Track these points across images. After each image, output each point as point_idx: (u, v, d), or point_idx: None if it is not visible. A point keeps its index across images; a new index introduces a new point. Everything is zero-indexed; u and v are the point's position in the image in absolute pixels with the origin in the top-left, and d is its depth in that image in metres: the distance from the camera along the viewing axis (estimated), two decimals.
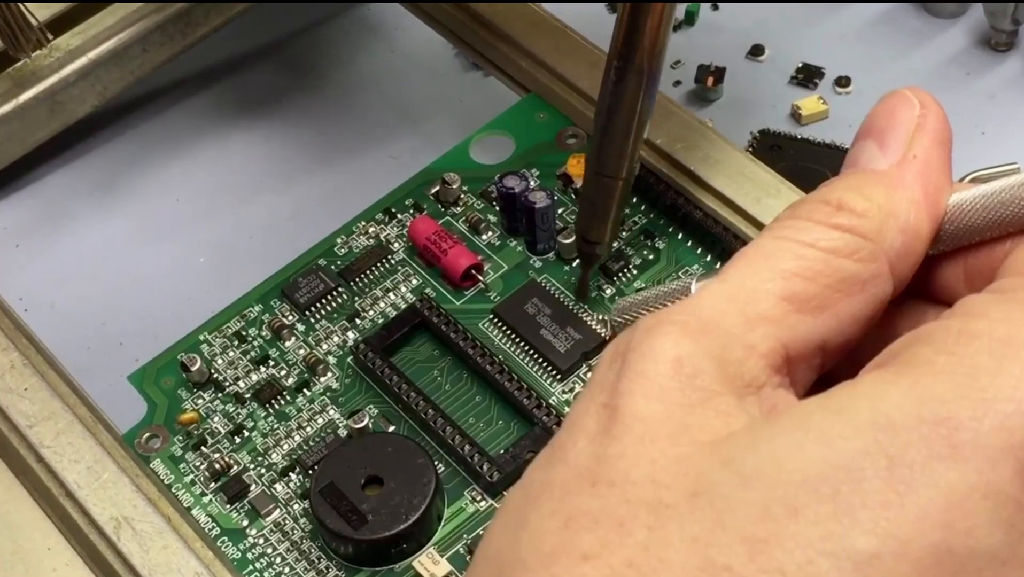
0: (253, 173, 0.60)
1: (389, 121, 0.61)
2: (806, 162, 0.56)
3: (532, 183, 0.49)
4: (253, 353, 0.47)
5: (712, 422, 0.23)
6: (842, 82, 0.60)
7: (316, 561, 0.43)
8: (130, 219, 0.58)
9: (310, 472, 0.44)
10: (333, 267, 0.49)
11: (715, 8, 0.63)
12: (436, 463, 0.43)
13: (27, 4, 0.52)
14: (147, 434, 0.46)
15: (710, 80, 0.59)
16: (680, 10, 0.63)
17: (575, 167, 0.49)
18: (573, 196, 0.49)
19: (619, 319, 0.45)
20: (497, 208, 0.49)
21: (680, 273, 0.47)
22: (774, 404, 0.24)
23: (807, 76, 0.60)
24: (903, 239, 0.26)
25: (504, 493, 0.43)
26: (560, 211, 0.49)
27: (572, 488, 0.23)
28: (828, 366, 0.26)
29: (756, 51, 0.61)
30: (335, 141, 0.60)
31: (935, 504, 0.21)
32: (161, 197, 0.59)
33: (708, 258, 0.47)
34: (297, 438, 0.45)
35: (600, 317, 0.46)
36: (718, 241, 0.47)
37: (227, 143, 0.61)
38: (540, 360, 0.45)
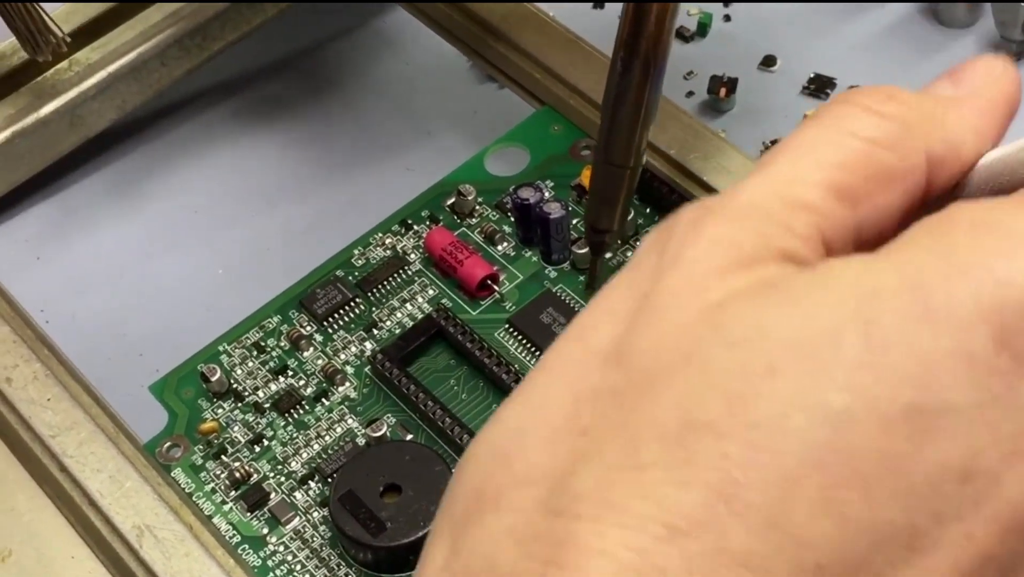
0: (270, 184, 0.60)
1: (404, 133, 0.62)
2: None
3: (547, 194, 0.49)
4: (272, 363, 0.48)
5: (736, 283, 0.24)
6: None
7: (336, 568, 0.43)
8: (148, 230, 0.59)
9: (329, 480, 0.45)
10: (351, 278, 0.49)
11: (727, 19, 0.64)
12: (453, 470, 0.43)
13: (52, 12, 0.53)
14: (168, 443, 0.47)
15: (722, 91, 0.60)
16: (692, 21, 0.64)
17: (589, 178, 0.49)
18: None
19: None
20: (512, 219, 0.50)
21: None
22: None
23: (819, 86, 0.61)
24: (945, 147, 0.26)
25: None
26: (574, 221, 0.49)
27: (587, 367, 0.24)
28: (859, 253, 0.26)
29: (768, 62, 0.62)
30: (351, 152, 0.61)
31: (908, 364, 0.22)
32: (179, 208, 0.60)
33: None
34: (316, 447, 0.46)
35: None
36: None
37: (244, 154, 0.61)
38: None
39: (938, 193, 0.27)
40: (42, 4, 0.52)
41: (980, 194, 0.26)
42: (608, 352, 0.24)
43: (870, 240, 0.26)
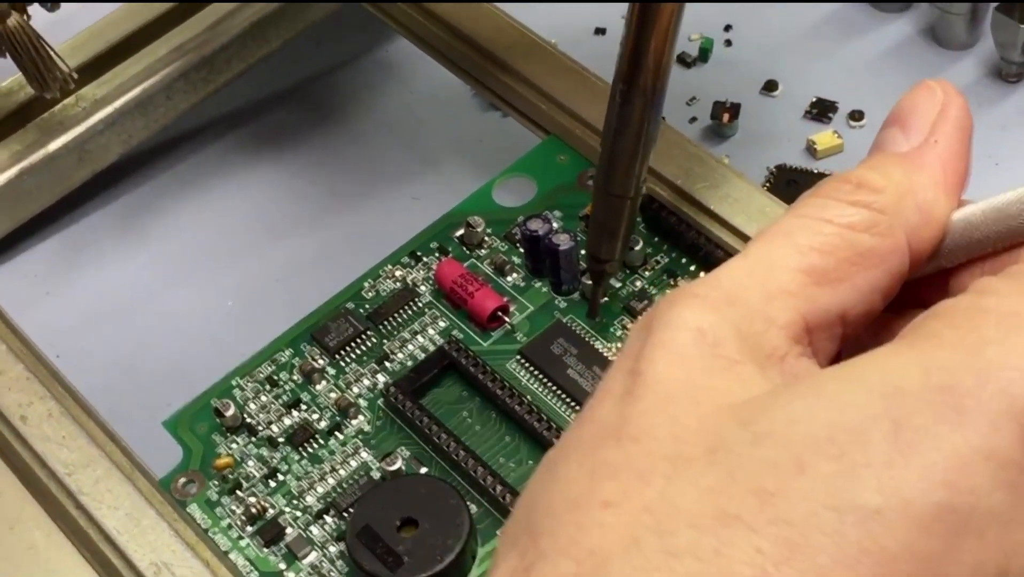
0: (276, 216, 0.61)
1: (409, 162, 0.62)
2: None
3: (555, 225, 0.50)
4: (285, 397, 0.48)
5: (733, 387, 0.25)
6: (856, 116, 0.61)
7: None
8: (156, 263, 0.59)
9: (345, 514, 0.45)
10: (361, 310, 0.50)
11: (728, 44, 0.64)
12: (468, 503, 0.44)
13: (57, 48, 0.53)
14: (183, 479, 0.47)
15: (726, 116, 0.60)
16: (694, 47, 0.64)
17: None
18: None
19: None
20: (521, 250, 0.50)
21: None
22: (796, 373, 0.26)
23: (821, 110, 0.61)
24: (920, 216, 0.27)
25: None
26: (583, 252, 0.49)
27: (598, 443, 0.25)
28: (850, 337, 0.27)
29: (770, 86, 0.62)
30: (356, 183, 0.61)
31: (938, 465, 0.23)
32: (186, 241, 0.60)
33: None
34: (331, 481, 0.46)
35: (616, 346, 0.47)
36: None
37: (249, 186, 0.62)
38: (568, 400, 0.46)
39: (918, 260, 0.27)
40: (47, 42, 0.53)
41: (957, 251, 0.27)
42: (616, 431, 0.25)
43: (858, 319, 0.27)
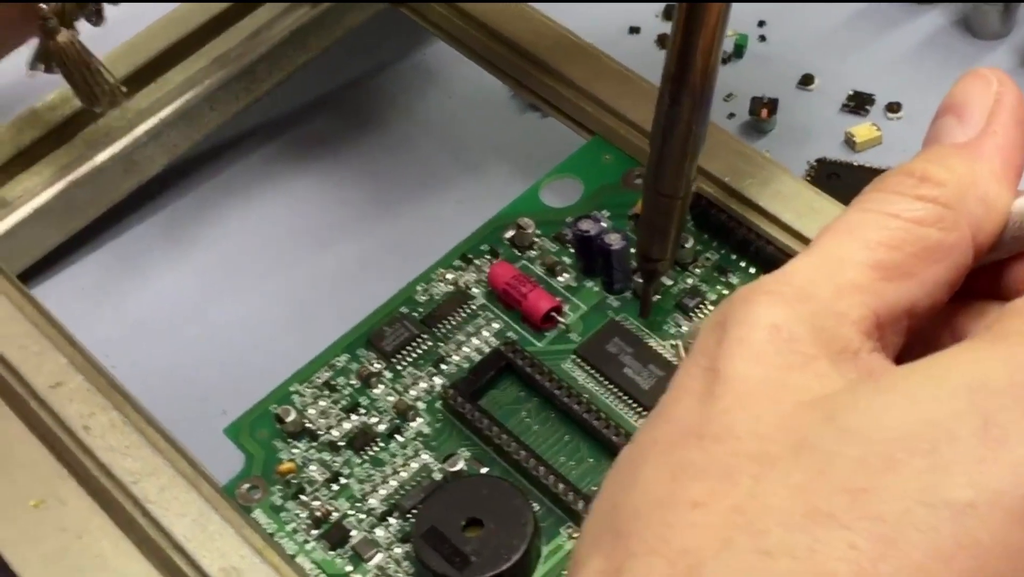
0: (321, 223, 0.61)
1: (450, 166, 0.62)
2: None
3: (605, 225, 0.50)
4: (344, 402, 0.49)
5: (810, 383, 0.25)
6: (893, 108, 0.61)
7: None
8: (204, 272, 0.60)
9: (408, 516, 0.46)
10: (415, 314, 0.50)
11: (763, 40, 0.65)
12: (531, 502, 0.44)
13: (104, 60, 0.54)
14: (247, 485, 0.47)
15: (764, 112, 0.61)
16: (728, 43, 0.64)
17: None
18: None
19: (690, 344, 0.47)
20: (572, 250, 0.51)
21: None
22: (871, 368, 0.26)
23: (858, 103, 0.61)
24: (983, 208, 0.27)
25: None
26: (633, 250, 0.50)
27: (678, 443, 0.25)
28: (915, 330, 0.27)
29: (806, 80, 0.63)
30: (398, 188, 0.62)
31: None
32: (232, 249, 0.61)
33: None
34: (393, 483, 0.47)
35: (672, 344, 0.48)
36: None
37: (292, 194, 0.62)
38: (625, 398, 0.47)
39: (980, 252, 0.28)
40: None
41: (1014, 241, 0.28)
42: (696, 430, 0.25)
43: (925, 313, 0.27)
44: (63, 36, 0.50)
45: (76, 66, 0.50)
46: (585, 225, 0.49)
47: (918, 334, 0.28)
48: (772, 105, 0.61)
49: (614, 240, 0.49)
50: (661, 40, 0.65)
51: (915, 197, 0.27)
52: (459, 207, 0.61)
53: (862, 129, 0.60)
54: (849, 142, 0.60)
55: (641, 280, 0.48)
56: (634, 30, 0.66)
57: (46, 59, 0.51)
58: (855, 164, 0.59)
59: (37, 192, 0.58)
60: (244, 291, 0.59)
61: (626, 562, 0.25)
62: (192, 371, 0.57)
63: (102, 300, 0.59)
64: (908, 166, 0.28)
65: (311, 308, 0.58)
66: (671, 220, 0.46)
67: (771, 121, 0.61)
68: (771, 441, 0.25)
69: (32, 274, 0.59)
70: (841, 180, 0.58)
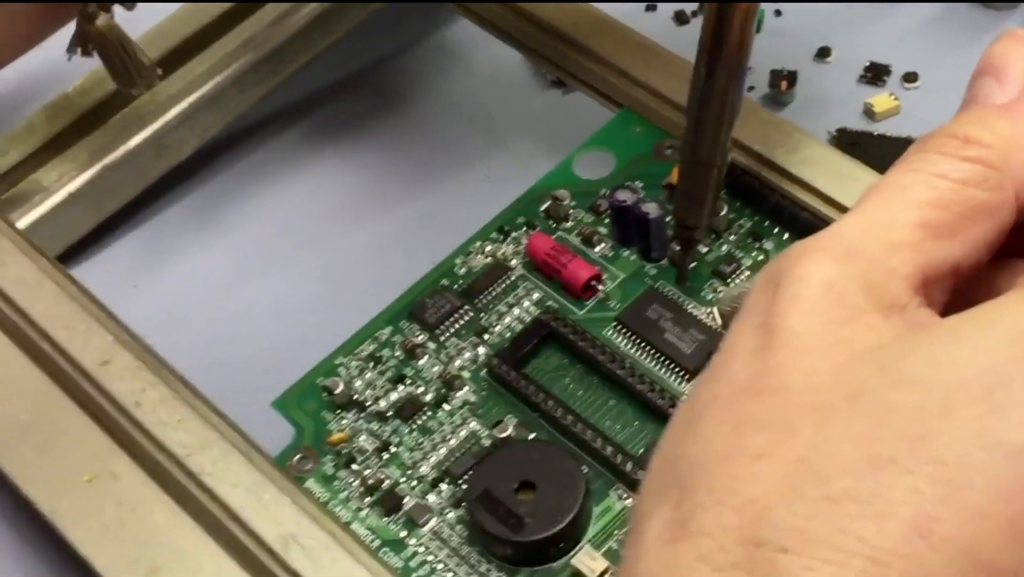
0: (348, 201, 0.62)
1: (476, 143, 0.63)
2: (887, 158, 0.58)
3: (641, 195, 0.51)
4: (390, 373, 0.50)
5: (862, 336, 0.26)
6: (910, 77, 0.62)
7: (476, 564, 0.45)
8: (237, 252, 0.61)
9: (459, 482, 0.47)
10: (456, 287, 0.51)
11: (778, 14, 0.66)
12: (582, 465, 0.45)
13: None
14: (298, 456, 0.48)
15: (784, 84, 0.62)
16: None
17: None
18: None
19: (726, 307, 0.48)
20: (607, 221, 0.52)
21: None
22: (919, 322, 0.27)
23: (875, 74, 0.63)
24: None
25: None
26: (668, 219, 0.51)
27: (737, 398, 0.26)
28: (959, 287, 0.29)
29: (823, 53, 0.64)
30: (426, 165, 0.63)
31: None
32: (264, 229, 0.61)
33: None
34: (443, 451, 0.48)
35: (709, 310, 0.49)
36: None
37: (320, 174, 0.63)
38: (667, 362, 0.48)
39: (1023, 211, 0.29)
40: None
41: None
42: (753, 385, 0.26)
43: (969, 271, 0.28)
44: (101, 20, 0.51)
45: (114, 49, 0.51)
46: (622, 195, 0.50)
47: (959, 292, 0.29)
48: (791, 77, 0.62)
49: (651, 209, 0.50)
50: (678, 16, 0.66)
51: (961, 158, 0.28)
52: (485, 182, 0.62)
53: (880, 99, 0.61)
54: (868, 112, 0.61)
55: (678, 248, 0.49)
56: (650, 7, 0.67)
57: (84, 43, 0.51)
58: (875, 133, 0.60)
59: (72, 176, 0.58)
60: (277, 270, 0.60)
61: (694, 512, 0.26)
62: (229, 348, 0.58)
63: (138, 281, 0.60)
64: (951, 127, 0.29)
65: (343, 285, 0.59)
66: (707, 188, 0.47)
67: (790, 93, 0.62)
68: (828, 392, 0.26)
69: (68, 257, 0.60)
70: (862, 149, 0.59)
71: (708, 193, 0.47)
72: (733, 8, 0.44)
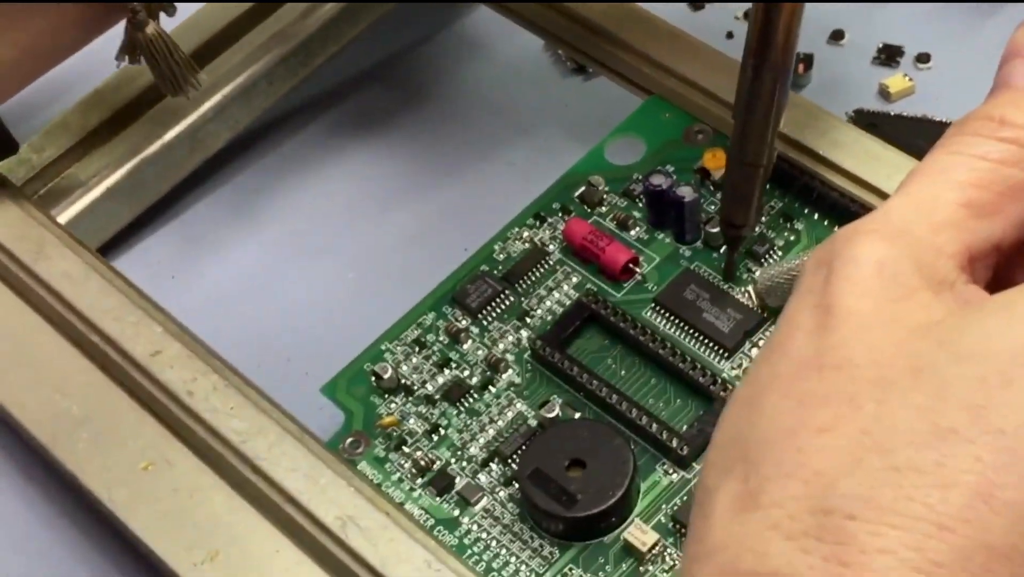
0: (379, 190, 0.63)
1: (499, 130, 0.65)
2: (905, 137, 0.60)
3: (675, 179, 0.53)
4: (435, 357, 0.51)
5: (916, 313, 0.28)
6: (922, 58, 0.64)
7: (529, 540, 0.46)
8: (272, 244, 0.62)
9: (509, 461, 0.48)
10: (495, 272, 0.53)
11: None
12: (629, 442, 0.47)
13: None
14: (349, 440, 0.50)
15: (800, 67, 0.63)
16: None
17: (711, 160, 0.53)
18: (711, 188, 0.53)
19: (763, 285, 0.49)
20: (641, 205, 0.53)
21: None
22: (967, 298, 0.29)
23: (889, 55, 0.64)
24: None
25: (695, 465, 0.47)
26: (700, 202, 0.52)
27: (799, 375, 0.28)
28: (1000, 264, 0.30)
29: (836, 36, 0.65)
30: (451, 154, 0.64)
31: None
32: (297, 220, 0.63)
33: None
34: (491, 432, 0.49)
35: (744, 290, 0.50)
36: (853, 217, 0.51)
37: (349, 165, 0.64)
38: (706, 341, 0.49)
39: None
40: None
41: None
42: (816, 362, 0.28)
43: (1010, 248, 0.30)
44: (151, 28, 0.52)
45: (162, 57, 0.52)
46: (657, 180, 0.52)
47: (999, 268, 0.31)
48: (808, 61, 0.64)
49: (686, 193, 0.51)
50: (693, 2, 0.68)
51: (998, 139, 0.30)
52: (511, 168, 0.63)
53: (895, 80, 0.63)
54: (883, 93, 0.63)
55: (725, 245, 0.50)
56: (699, 6, 0.68)
57: (132, 50, 0.52)
58: (891, 114, 0.62)
59: (110, 171, 0.60)
60: (310, 260, 0.61)
61: (763, 485, 0.27)
62: (268, 337, 0.59)
63: (176, 272, 0.61)
64: (987, 110, 0.31)
65: (377, 273, 0.60)
66: (754, 188, 0.48)
67: (807, 76, 0.64)
68: (888, 367, 0.27)
69: (106, 251, 0.61)
70: (879, 129, 0.60)
71: (755, 192, 0.48)
72: (779, 9, 0.45)
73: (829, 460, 0.27)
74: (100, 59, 0.58)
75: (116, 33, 0.56)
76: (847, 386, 0.27)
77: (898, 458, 0.26)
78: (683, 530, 0.45)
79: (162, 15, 0.54)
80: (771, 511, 0.26)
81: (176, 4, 0.55)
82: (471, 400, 0.50)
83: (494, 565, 0.46)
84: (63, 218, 0.58)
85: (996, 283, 0.30)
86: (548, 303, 0.52)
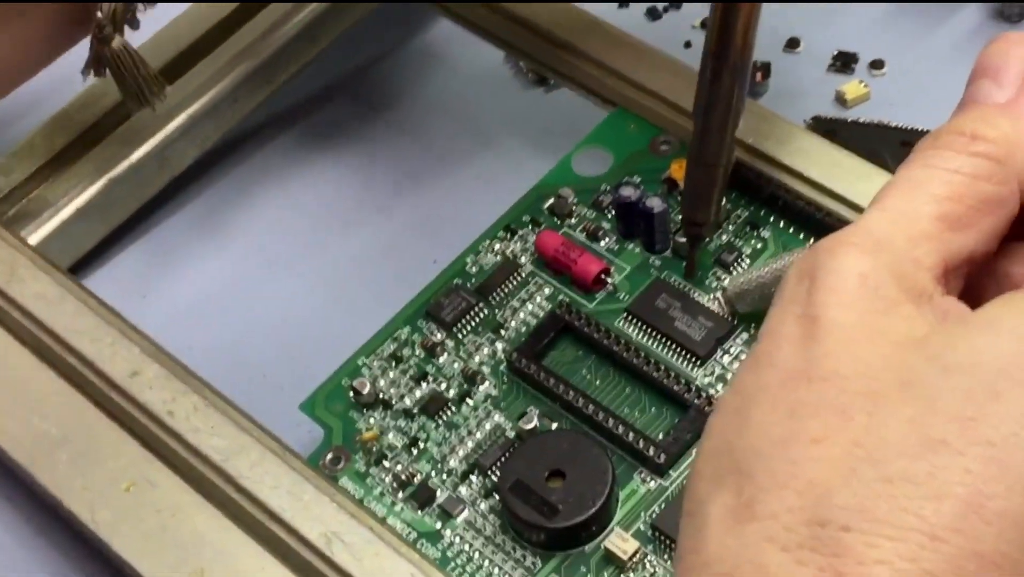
0: (346, 204, 0.64)
1: (464, 142, 0.65)
2: (863, 142, 0.61)
3: (643, 191, 0.53)
4: (412, 371, 0.52)
5: (899, 326, 0.29)
6: (876, 64, 0.65)
7: (512, 551, 0.47)
8: (240, 259, 0.62)
9: (488, 473, 0.49)
10: (469, 285, 0.53)
11: None
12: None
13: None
14: (330, 455, 0.50)
15: (758, 75, 0.64)
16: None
17: (678, 171, 0.54)
18: (679, 198, 0.54)
19: (733, 292, 0.50)
20: (610, 216, 0.54)
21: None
22: (946, 310, 0.29)
23: (844, 63, 0.65)
24: None
25: (672, 473, 0.48)
26: (669, 212, 0.53)
27: (788, 385, 0.28)
28: (971, 274, 0.31)
29: (792, 44, 0.67)
30: (417, 167, 0.64)
31: None
32: (265, 235, 0.63)
33: (812, 240, 0.52)
34: (470, 444, 0.50)
35: (714, 296, 0.51)
36: (818, 225, 0.52)
37: (316, 179, 0.65)
38: (679, 349, 0.50)
39: None
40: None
41: None
42: (804, 373, 0.28)
43: (981, 260, 0.31)
44: (117, 42, 0.52)
45: (128, 70, 0.53)
46: (626, 192, 0.53)
47: (970, 278, 0.32)
48: (765, 69, 0.65)
49: (655, 204, 0.52)
50: (651, 12, 0.69)
51: (970, 154, 0.31)
52: (477, 181, 0.64)
53: (851, 87, 0.64)
54: (840, 99, 0.64)
55: (685, 242, 0.51)
56: (623, 4, 0.69)
57: (98, 64, 0.53)
58: (848, 120, 0.63)
59: (79, 191, 0.60)
60: (279, 275, 0.62)
61: (757, 496, 0.28)
62: (240, 354, 0.59)
63: (147, 290, 0.61)
64: (958, 125, 0.32)
65: (346, 287, 0.61)
66: (714, 187, 0.49)
67: (765, 84, 0.65)
68: (877, 380, 0.28)
69: (77, 269, 0.61)
70: (838, 135, 0.62)
71: (715, 191, 0.50)
72: (736, 11, 0.46)
73: (822, 471, 0.27)
74: (64, 77, 0.58)
75: (80, 52, 0.56)
76: (837, 398, 0.28)
77: (890, 469, 0.27)
78: (663, 537, 0.46)
79: (127, 30, 0.55)
80: (767, 522, 0.27)
81: (139, 19, 0.55)
82: (449, 413, 0.51)
83: (477, 576, 0.47)
84: (33, 239, 0.58)
85: (967, 293, 0.31)
86: (522, 315, 0.52)
